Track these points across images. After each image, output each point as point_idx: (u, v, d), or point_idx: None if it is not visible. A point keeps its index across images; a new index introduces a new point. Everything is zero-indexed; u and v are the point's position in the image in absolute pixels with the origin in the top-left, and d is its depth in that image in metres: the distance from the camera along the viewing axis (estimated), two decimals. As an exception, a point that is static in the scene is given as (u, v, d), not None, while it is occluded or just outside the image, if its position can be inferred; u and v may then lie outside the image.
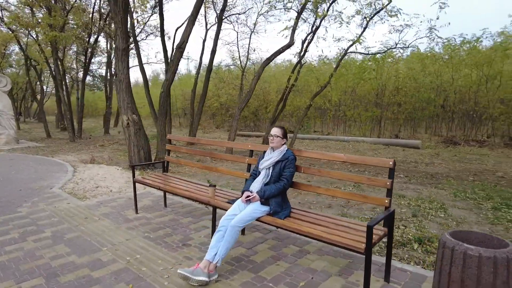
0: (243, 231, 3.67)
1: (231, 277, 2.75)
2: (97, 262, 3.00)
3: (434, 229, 3.85)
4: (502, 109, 12.40)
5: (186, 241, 3.49)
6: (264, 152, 3.22)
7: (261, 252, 3.24)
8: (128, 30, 7.15)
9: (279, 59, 20.77)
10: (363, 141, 14.02)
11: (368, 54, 10.90)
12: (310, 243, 3.47)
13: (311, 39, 11.24)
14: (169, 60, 10.66)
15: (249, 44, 14.70)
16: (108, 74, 18.88)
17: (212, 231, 3.32)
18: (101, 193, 5.45)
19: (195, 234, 3.68)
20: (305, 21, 11.07)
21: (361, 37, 9.90)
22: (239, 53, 14.42)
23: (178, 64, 7.80)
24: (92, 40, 15.22)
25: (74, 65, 21.70)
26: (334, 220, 2.84)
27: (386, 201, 2.65)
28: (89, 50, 15.15)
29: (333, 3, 10.20)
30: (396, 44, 10.35)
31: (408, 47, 10.25)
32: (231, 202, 3.19)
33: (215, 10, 12.74)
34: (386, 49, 11.50)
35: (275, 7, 10.67)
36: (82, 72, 16.99)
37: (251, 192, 3.00)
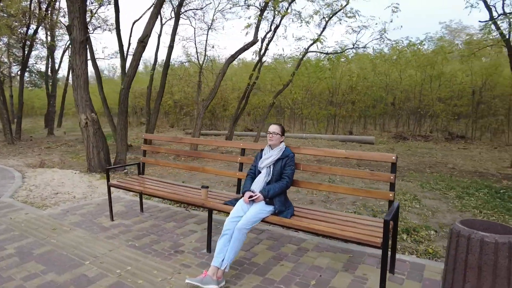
0: (236, 233, 3.53)
1: (238, 282, 2.62)
2: (83, 279, 2.66)
3: (414, 219, 4.07)
4: (442, 107, 13.65)
5: (177, 248, 3.26)
6: (262, 150, 3.11)
7: (260, 253, 3.14)
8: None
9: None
10: (321, 138, 14.51)
11: (327, 53, 11.26)
12: (306, 240, 3.45)
13: (272, 38, 11.30)
14: (125, 55, 9.98)
15: (206, 41, 14.39)
16: (49, 70, 17.21)
17: (208, 234, 3.13)
18: (63, 200, 4.90)
19: (184, 240, 3.45)
20: (263, 19, 11.06)
21: (322, 37, 10.18)
22: (196, 50, 14.00)
23: (139, 59, 7.32)
24: (30, 31, 13.70)
25: (6, 59, 19.42)
26: (338, 216, 2.83)
27: (391, 194, 2.71)
28: (27, 42, 13.63)
29: (292, 2, 10.35)
30: (354, 45, 10.83)
31: (365, 47, 10.79)
32: (229, 203, 3.04)
33: (172, 4, 12.22)
34: (343, 50, 11.96)
35: (237, 4, 10.53)
36: (19, 67, 15.26)
37: (253, 192, 2.88)
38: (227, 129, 20.84)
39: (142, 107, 23.53)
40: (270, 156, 2.97)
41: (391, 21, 10.97)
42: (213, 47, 16.48)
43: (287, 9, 10.44)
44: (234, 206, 2.96)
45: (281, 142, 3.04)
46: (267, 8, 10.27)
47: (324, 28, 10.84)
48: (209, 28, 14.21)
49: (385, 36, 10.64)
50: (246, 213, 2.70)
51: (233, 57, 9.38)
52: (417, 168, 7.50)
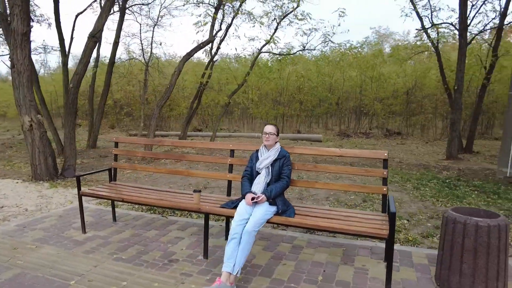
0: (227, 236, 3.45)
1: (248, 286, 2.57)
2: (75, 301, 2.37)
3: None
4: (381, 106, 14.90)
5: (170, 257, 3.07)
6: (257, 151, 3.09)
7: (258, 254, 3.12)
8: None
9: (178, 56, 20.04)
10: (272, 137, 14.82)
11: (280, 54, 11.53)
12: (297, 238, 3.52)
13: (223, 37, 11.23)
14: (66, 50, 9.06)
15: (152, 37, 13.67)
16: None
17: (204, 240, 3.01)
18: (13, 214, 4.29)
19: (174, 248, 3.27)
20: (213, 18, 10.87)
21: (276, 38, 10.40)
22: (142, 47, 13.25)
23: (90, 55, 6.72)
24: None
25: None
26: (337, 212, 2.95)
27: (384, 189, 2.90)
28: None
29: (243, 3, 10.39)
30: (304, 47, 11.27)
31: (314, 49, 11.30)
32: (226, 206, 2.97)
33: (116, -3, 11.39)
34: (289, 52, 12.30)
35: (188, 1, 10.22)
36: None
37: (254, 193, 2.85)
38: (174, 129, 20.20)
39: (78, 106, 21.58)
40: (268, 156, 2.96)
41: (339, 25, 11.64)
42: (160, 44, 15.65)
43: (239, 8, 10.46)
44: (231, 209, 2.91)
45: (276, 142, 3.06)
46: (220, 7, 10.16)
47: (276, 30, 11.08)
48: (155, 25, 13.60)
49: (329, 39, 11.27)
50: (253, 215, 2.66)
51: (189, 55, 9.11)
52: (370, 163, 8.09)
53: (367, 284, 2.60)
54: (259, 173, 2.96)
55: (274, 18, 11.05)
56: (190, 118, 11.83)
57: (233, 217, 2.76)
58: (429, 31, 10.03)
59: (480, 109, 9.96)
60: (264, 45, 11.03)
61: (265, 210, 2.71)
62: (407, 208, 4.51)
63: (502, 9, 9.43)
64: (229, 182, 3.44)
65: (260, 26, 10.74)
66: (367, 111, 14.71)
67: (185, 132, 11.64)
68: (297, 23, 10.78)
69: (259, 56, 14.62)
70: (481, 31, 9.55)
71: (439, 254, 2.58)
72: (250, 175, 3.02)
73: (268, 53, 12.10)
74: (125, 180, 6.31)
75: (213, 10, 10.60)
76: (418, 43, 10.84)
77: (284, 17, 10.91)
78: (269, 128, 3.00)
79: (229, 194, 3.44)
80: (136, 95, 18.77)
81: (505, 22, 9.50)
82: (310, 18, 10.35)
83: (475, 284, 2.33)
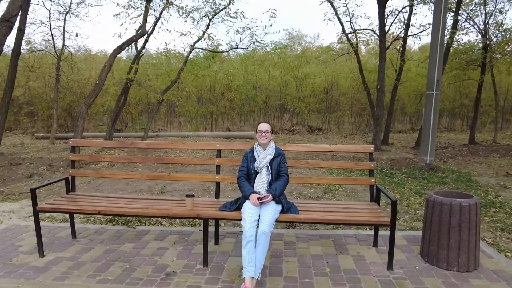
0: (217, 241, 3.30)
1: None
2: (78, 337, 1.99)
3: (348, 200, 4.75)
4: (304, 104, 15.89)
5: (164, 270, 2.80)
6: (251, 150, 3.02)
7: (256, 255, 3.06)
8: None
9: (94, 50, 18.09)
10: (204, 136, 14.55)
11: (214, 52, 11.35)
12: (284, 234, 3.56)
13: (151, 31, 10.56)
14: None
15: (64, 27, 12.04)
16: None
17: (204, 247, 2.82)
18: None
19: (162, 260, 2.99)
20: (135, 9, 10.06)
21: (212, 34, 10.21)
22: (52, 36, 11.55)
23: (3, 43, 5.61)
24: None
25: None
26: (334, 205, 3.09)
27: (372, 180, 3.15)
28: None
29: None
30: (237, 45, 11.32)
31: (247, 48, 11.45)
32: (226, 209, 2.84)
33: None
34: (216, 48, 12.16)
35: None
36: None
37: (258, 193, 2.78)
38: (89, 130, 18.14)
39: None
40: (266, 155, 2.92)
41: (271, 25, 12.09)
42: (76, 35, 13.81)
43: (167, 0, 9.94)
44: (232, 211, 2.81)
45: (270, 140, 3.04)
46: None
47: (208, 26, 10.88)
48: (67, 13, 12.01)
49: (256, 39, 11.56)
50: (265, 215, 2.60)
51: (120, 48, 8.31)
52: (308, 157, 8.60)
53: (370, 268, 2.79)
54: (259, 173, 2.90)
55: (206, 14, 10.84)
56: (116, 116, 10.81)
57: (234, 219, 2.66)
58: (349, 35, 11.11)
59: (393, 105, 11.48)
60: (197, 41, 10.73)
61: (274, 209, 2.68)
62: (363, 197, 4.96)
63: (406, 21, 11.02)
64: (217, 184, 3.29)
65: (192, 22, 10.41)
66: (294, 109, 15.54)
67: (111, 132, 10.59)
68: (231, 21, 10.78)
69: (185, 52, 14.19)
70: (395, 39, 11.00)
71: (426, 234, 2.92)
72: (247, 175, 2.94)
73: (199, 49, 11.81)
74: (58, 190, 5.46)
75: (137, 1, 9.85)
76: (339, 46, 11.94)
77: (216, 14, 10.78)
78: (265, 127, 2.96)
79: (217, 196, 3.29)
80: (40, 92, 16.31)
81: (409, 33, 11.12)
82: (244, 17, 10.46)
83: (460, 255, 2.71)
